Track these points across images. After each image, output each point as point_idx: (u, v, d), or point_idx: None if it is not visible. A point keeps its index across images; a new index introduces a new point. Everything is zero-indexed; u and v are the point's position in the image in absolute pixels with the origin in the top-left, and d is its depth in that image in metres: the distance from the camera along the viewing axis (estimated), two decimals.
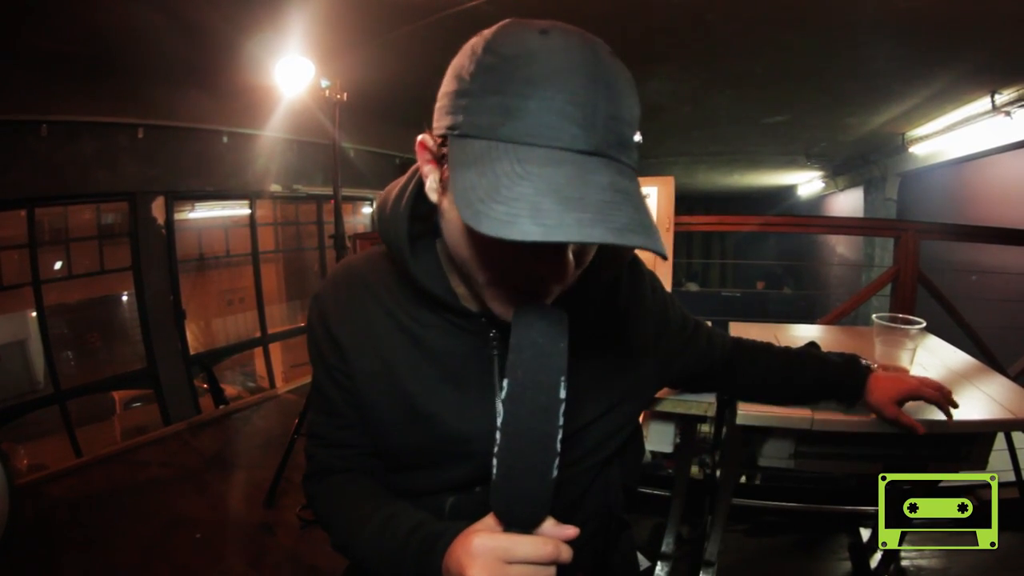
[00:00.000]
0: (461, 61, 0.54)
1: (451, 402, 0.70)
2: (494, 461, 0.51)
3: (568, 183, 0.46)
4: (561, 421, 0.51)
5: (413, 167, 0.66)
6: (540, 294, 0.59)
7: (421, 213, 0.65)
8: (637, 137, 0.54)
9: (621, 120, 0.50)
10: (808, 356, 1.06)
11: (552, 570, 0.52)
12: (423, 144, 0.60)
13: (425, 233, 0.68)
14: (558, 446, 0.51)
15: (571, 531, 0.54)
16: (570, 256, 0.56)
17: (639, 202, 0.49)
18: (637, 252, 0.84)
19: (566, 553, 0.52)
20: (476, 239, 0.57)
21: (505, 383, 0.51)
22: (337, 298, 0.74)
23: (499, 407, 0.52)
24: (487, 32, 0.54)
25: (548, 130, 0.48)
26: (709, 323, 1.02)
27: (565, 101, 0.47)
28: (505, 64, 0.50)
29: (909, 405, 1.02)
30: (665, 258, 0.46)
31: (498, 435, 0.51)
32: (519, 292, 0.59)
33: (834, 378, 1.05)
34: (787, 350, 1.07)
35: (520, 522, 0.53)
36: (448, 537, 0.57)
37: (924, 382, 1.02)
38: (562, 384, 0.51)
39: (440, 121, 0.55)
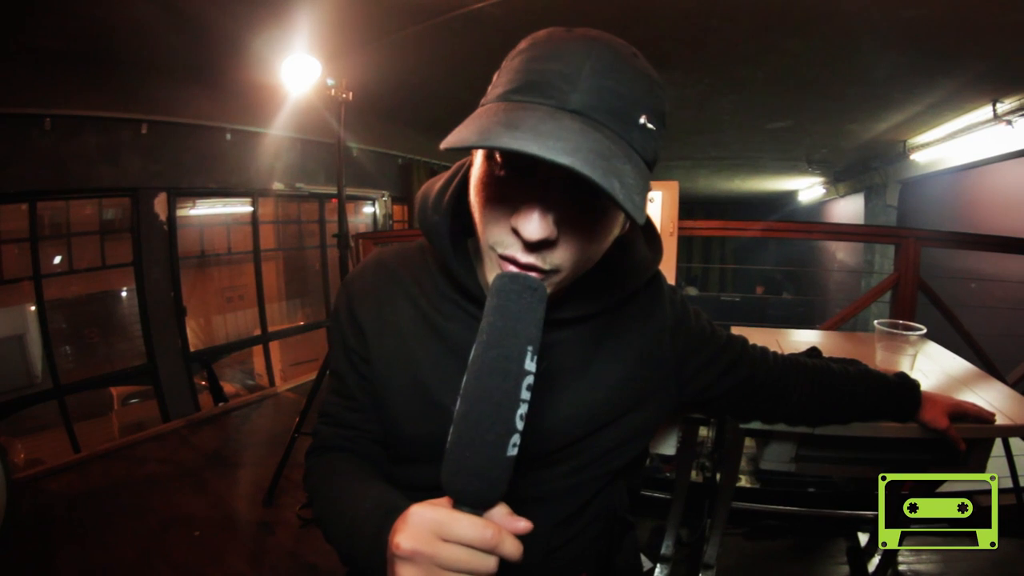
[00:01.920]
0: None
1: None
2: (451, 429, 0.49)
3: (527, 120, 0.49)
4: (526, 395, 0.48)
5: (458, 163, 0.69)
6: (526, 266, 0.58)
7: (461, 211, 0.67)
8: (644, 121, 0.55)
9: (616, 93, 0.53)
10: (869, 376, 1.03)
11: (491, 561, 0.47)
12: None
13: (461, 231, 0.71)
14: (518, 422, 0.48)
15: (523, 524, 0.50)
16: (550, 217, 0.55)
17: (605, 150, 0.49)
18: (660, 269, 0.83)
19: (510, 546, 0.48)
20: (477, 193, 0.60)
21: (473, 349, 0.49)
22: (365, 284, 0.78)
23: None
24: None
25: (538, 87, 0.53)
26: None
27: (557, 70, 0.53)
28: (527, 49, 0.57)
29: None
30: (627, 212, 0.48)
31: (458, 401, 0.49)
32: (507, 263, 0.58)
33: (894, 395, 1.03)
34: (846, 370, 1.02)
35: (468, 500, 0.49)
36: (401, 511, 0.53)
37: (962, 401, 1.09)
38: (529, 354, 0.48)
39: None
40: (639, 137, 0.55)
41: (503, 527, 0.48)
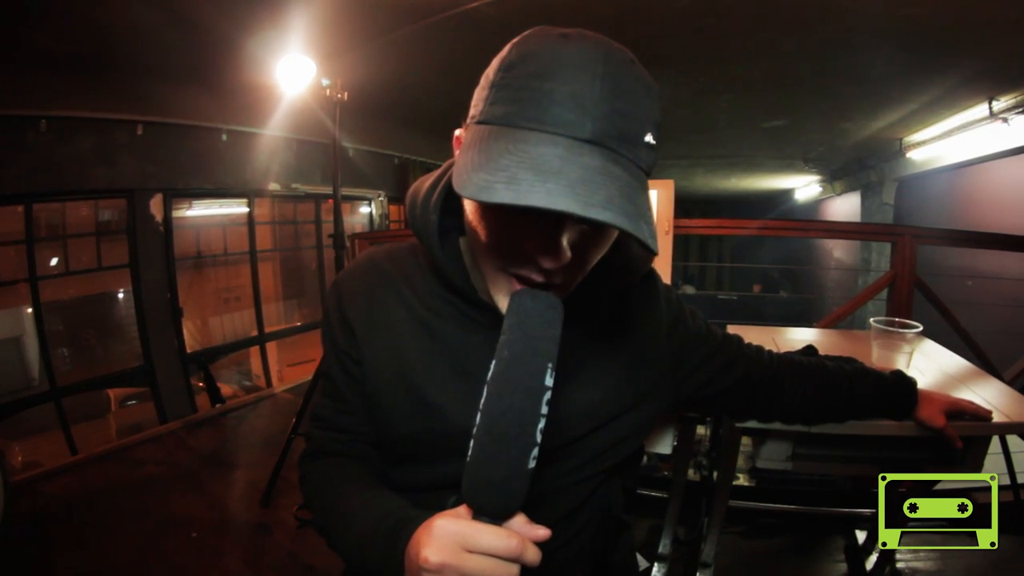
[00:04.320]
0: (493, 63, 0.58)
1: (458, 394, 0.70)
2: (471, 443, 0.50)
3: (551, 160, 0.49)
4: (544, 410, 0.49)
5: (448, 161, 0.68)
6: (539, 284, 0.59)
7: (451, 208, 0.67)
8: (649, 138, 0.55)
9: (626, 116, 0.53)
10: (866, 374, 1.02)
11: (515, 569, 0.49)
12: (457, 138, 0.64)
13: (451, 229, 0.70)
14: (538, 435, 0.49)
15: (542, 532, 0.51)
16: (564, 242, 0.56)
17: (628, 188, 0.51)
18: (655, 269, 0.84)
19: (532, 553, 0.49)
20: (481, 219, 0.59)
21: (492, 364, 0.50)
22: (355, 285, 0.77)
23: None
24: (517, 37, 0.58)
25: (546, 115, 0.51)
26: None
27: (566, 93, 0.51)
28: (523, 61, 0.54)
29: None
30: (649, 249, 0.49)
31: (478, 416, 0.50)
32: (521, 281, 0.59)
33: (891, 394, 1.02)
34: (842, 368, 1.02)
35: (489, 511, 0.50)
36: (417, 523, 0.55)
37: (959, 399, 1.06)
38: (549, 371, 0.50)
39: (469, 112, 0.60)
40: (644, 155, 0.55)
41: (524, 535, 0.50)
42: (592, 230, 0.58)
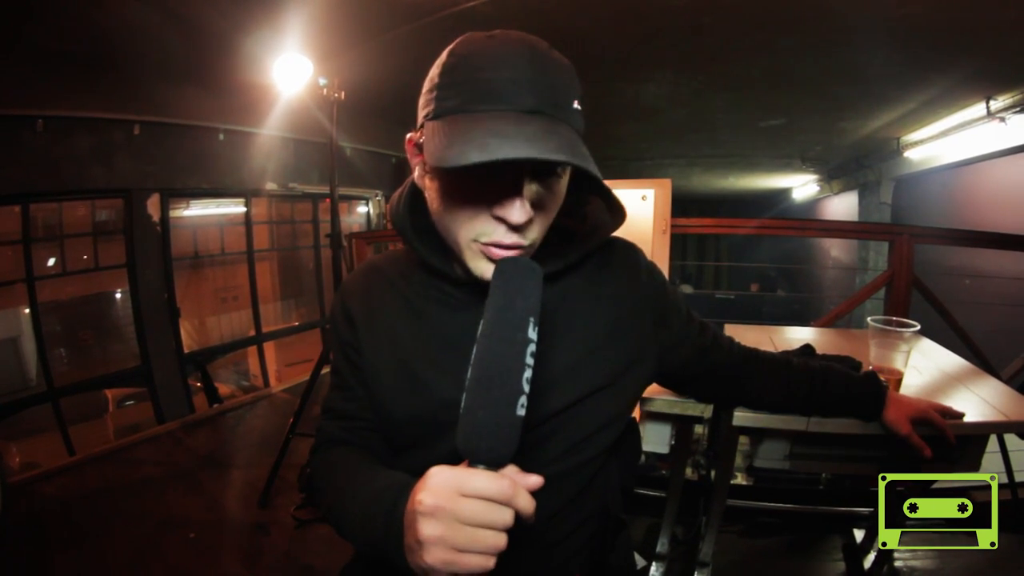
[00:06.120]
0: (432, 70, 0.69)
1: (450, 370, 0.74)
2: (463, 396, 0.54)
3: (507, 127, 0.59)
4: (530, 361, 0.54)
5: (409, 178, 0.78)
6: (511, 246, 0.66)
7: (423, 208, 0.75)
8: (576, 105, 0.66)
9: (556, 88, 0.64)
10: (830, 372, 1.05)
11: (508, 513, 0.51)
12: (410, 141, 0.73)
13: (430, 227, 0.75)
14: (524, 384, 0.53)
15: (534, 479, 0.54)
16: (525, 200, 0.64)
17: (573, 140, 0.62)
18: (641, 248, 0.89)
19: (524, 500, 0.52)
20: (451, 195, 0.67)
21: (481, 323, 0.56)
22: (356, 284, 0.86)
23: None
24: (451, 45, 0.68)
25: (495, 96, 0.62)
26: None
27: (506, 78, 0.62)
28: (462, 60, 0.65)
29: None
30: (596, 177, 0.60)
31: (469, 371, 0.54)
32: (494, 248, 0.66)
33: (856, 394, 1.04)
34: (807, 365, 1.06)
35: (482, 457, 0.53)
36: (414, 485, 0.57)
37: (932, 405, 1.07)
38: (531, 323, 0.55)
39: (419, 117, 0.69)
40: (576, 118, 0.66)
41: (518, 482, 0.53)
42: (544, 189, 0.67)
